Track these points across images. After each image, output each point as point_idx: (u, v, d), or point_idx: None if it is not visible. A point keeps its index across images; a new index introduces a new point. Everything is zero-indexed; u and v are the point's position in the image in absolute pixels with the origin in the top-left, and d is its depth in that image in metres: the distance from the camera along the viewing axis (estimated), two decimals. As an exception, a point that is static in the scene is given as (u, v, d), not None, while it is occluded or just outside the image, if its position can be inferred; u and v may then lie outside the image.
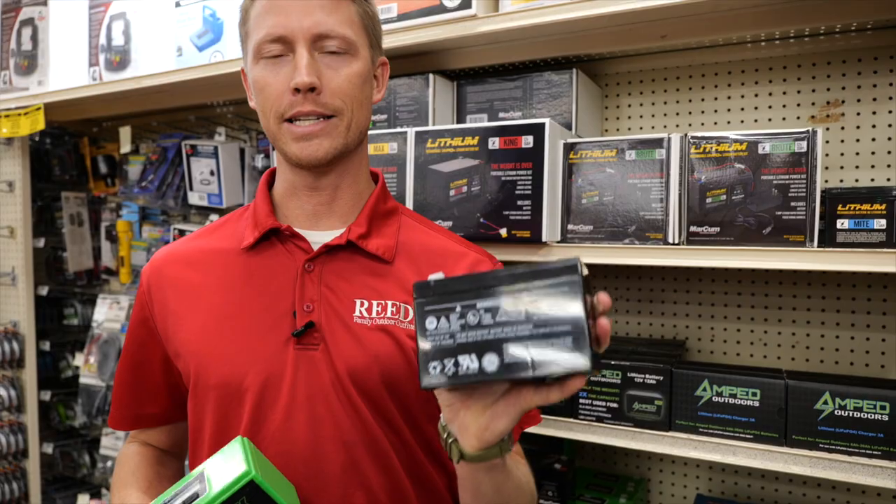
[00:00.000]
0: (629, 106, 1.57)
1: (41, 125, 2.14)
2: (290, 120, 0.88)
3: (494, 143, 1.28)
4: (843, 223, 1.12)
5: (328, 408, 0.87)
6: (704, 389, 1.21)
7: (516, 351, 0.60)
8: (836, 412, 1.11)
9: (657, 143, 1.22)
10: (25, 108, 2.18)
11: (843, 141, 1.36)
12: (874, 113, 1.34)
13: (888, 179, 1.32)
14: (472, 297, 0.62)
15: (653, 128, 1.55)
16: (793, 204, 1.12)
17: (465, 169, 1.31)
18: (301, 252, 0.92)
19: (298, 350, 0.88)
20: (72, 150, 2.54)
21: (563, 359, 0.58)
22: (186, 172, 2.08)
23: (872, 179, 1.34)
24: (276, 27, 0.86)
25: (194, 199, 2.08)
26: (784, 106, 1.42)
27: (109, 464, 2.35)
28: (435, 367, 0.62)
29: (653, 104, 1.54)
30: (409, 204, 1.36)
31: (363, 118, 0.93)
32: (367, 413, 0.87)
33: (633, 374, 1.26)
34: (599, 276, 1.61)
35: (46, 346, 2.54)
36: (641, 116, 1.56)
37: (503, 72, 1.58)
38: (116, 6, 1.99)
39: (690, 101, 1.51)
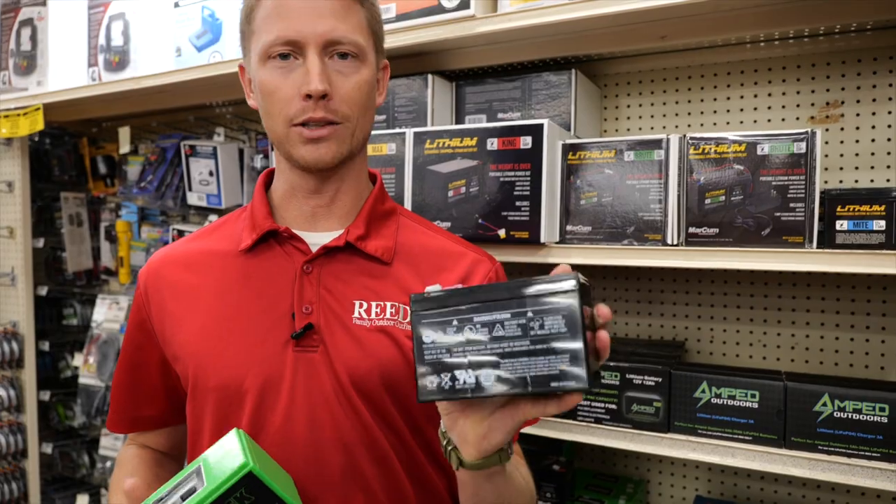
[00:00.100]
0: (628, 106, 1.57)
1: (40, 125, 2.14)
2: (299, 124, 0.87)
3: (493, 143, 1.28)
4: (842, 224, 1.11)
5: (328, 410, 0.86)
6: (703, 391, 1.20)
7: (513, 367, 0.60)
8: (835, 414, 1.11)
9: (656, 144, 1.21)
10: (25, 108, 2.18)
11: (842, 141, 1.36)
12: (874, 113, 1.33)
13: (888, 180, 1.32)
14: (469, 312, 0.61)
15: (652, 128, 1.55)
16: (792, 205, 1.11)
17: (463, 170, 1.31)
18: (299, 254, 0.92)
19: (298, 352, 0.88)
20: (71, 151, 2.54)
21: (561, 376, 0.58)
22: (185, 173, 2.08)
23: (872, 180, 1.33)
24: (287, 31, 0.85)
25: (193, 199, 2.08)
26: (784, 106, 1.41)
27: (109, 464, 2.35)
28: (432, 382, 0.63)
29: (652, 105, 1.54)
30: (408, 205, 1.36)
31: (368, 123, 0.93)
32: (367, 415, 0.87)
33: (631, 376, 1.26)
34: (598, 277, 1.61)
35: (46, 346, 2.54)
36: (641, 117, 1.56)
37: (502, 72, 1.57)
38: (115, 6, 1.99)
39: (690, 101, 1.50)
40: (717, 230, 1.17)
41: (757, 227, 1.14)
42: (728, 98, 1.47)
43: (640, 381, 1.25)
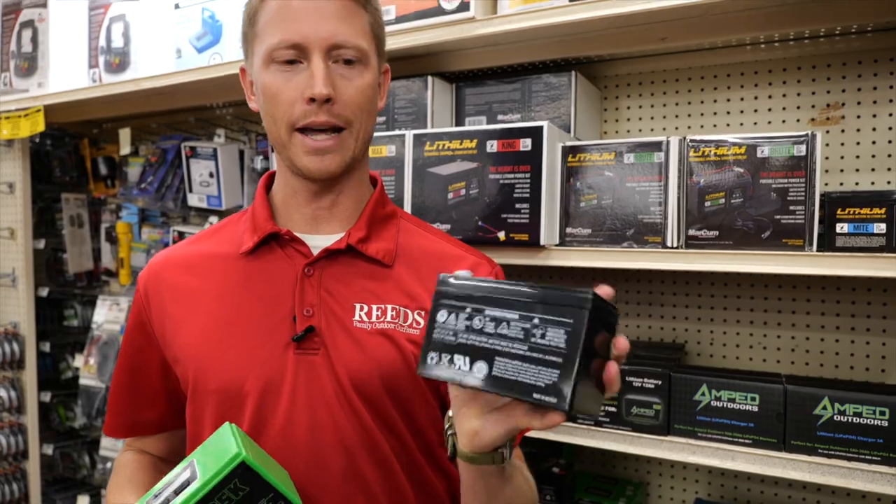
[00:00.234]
0: (628, 108, 1.57)
1: (41, 127, 2.14)
2: (302, 130, 0.87)
3: (493, 145, 1.28)
4: (842, 227, 1.11)
5: (329, 412, 0.87)
6: (703, 394, 1.20)
7: (505, 367, 0.60)
8: (835, 417, 1.11)
9: (656, 146, 1.21)
10: (25, 109, 2.19)
11: (843, 143, 1.36)
12: (874, 115, 1.33)
13: (888, 182, 1.32)
14: (484, 303, 0.62)
15: (652, 130, 1.54)
16: (792, 208, 1.11)
17: (463, 172, 1.31)
18: (301, 256, 0.92)
19: (298, 355, 0.88)
20: (72, 152, 2.54)
21: (541, 389, 0.57)
22: (186, 174, 2.08)
23: (873, 182, 1.33)
24: (291, 33, 0.85)
25: (194, 200, 2.08)
26: (784, 108, 1.41)
27: (109, 465, 2.35)
28: (433, 358, 0.64)
29: (652, 106, 1.54)
30: (408, 207, 1.36)
31: (370, 128, 0.93)
32: (368, 417, 0.87)
33: (631, 379, 1.25)
34: (598, 280, 1.60)
35: (46, 347, 2.54)
36: (641, 119, 1.55)
37: (502, 74, 1.57)
38: (116, 8, 1.99)
39: (690, 103, 1.50)
40: (717, 233, 1.16)
41: (757, 230, 1.13)
42: (728, 100, 1.46)
43: (639, 384, 1.25)
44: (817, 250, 1.10)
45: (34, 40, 2.18)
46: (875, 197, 1.10)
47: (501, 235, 1.27)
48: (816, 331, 1.40)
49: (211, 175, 2.03)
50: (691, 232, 1.18)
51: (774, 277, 1.43)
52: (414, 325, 0.90)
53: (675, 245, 1.19)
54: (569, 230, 1.29)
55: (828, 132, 1.37)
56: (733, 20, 1.29)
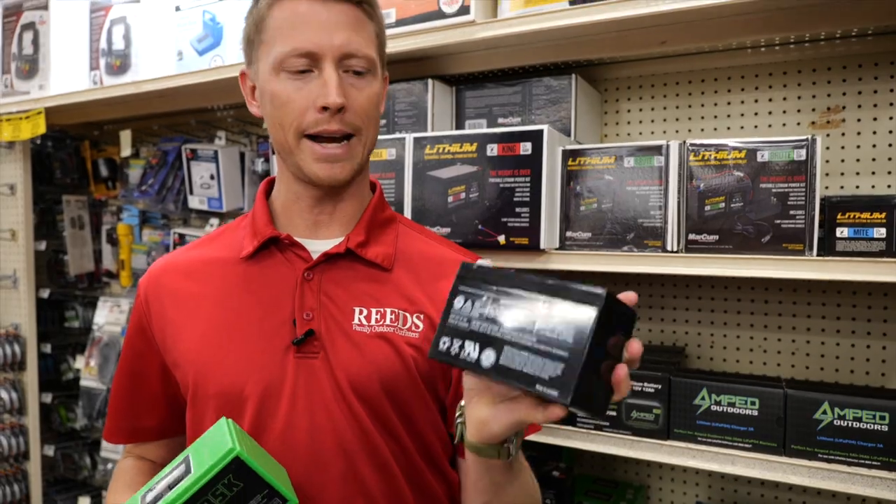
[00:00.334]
0: (629, 111, 1.57)
1: (42, 129, 2.15)
2: (312, 137, 0.88)
3: (493, 149, 1.28)
4: (842, 231, 1.11)
5: (328, 416, 0.87)
6: (703, 398, 1.20)
7: (512, 357, 0.60)
8: (835, 422, 1.11)
9: (656, 150, 1.21)
10: (27, 111, 2.19)
11: (843, 147, 1.36)
12: (875, 119, 1.33)
13: (889, 186, 1.32)
14: (500, 293, 0.63)
15: (652, 133, 1.54)
16: (792, 212, 1.11)
17: (463, 175, 1.31)
18: (300, 261, 0.92)
19: (298, 358, 0.88)
20: (73, 154, 2.54)
21: (545, 381, 0.57)
22: (187, 176, 2.08)
23: (873, 186, 1.33)
24: (304, 42, 0.85)
25: (194, 202, 2.08)
26: (784, 112, 1.41)
27: (110, 466, 2.35)
28: (444, 343, 0.65)
29: (652, 109, 1.54)
30: (408, 210, 1.36)
31: (376, 135, 0.94)
32: (368, 420, 0.88)
33: (631, 382, 1.25)
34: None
35: (48, 348, 2.54)
36: (641, 122, 1.55)
37: (502, 77, 1.57)
38: (117, 10, 1.99)
39: (690, 106, 1.50)
40: (717, 237, 1.16)
41: (757, 234, 1.13)
42: (729, 103, 1.46)
43: (639, 388, 1.25)
44: (817, 255, 1.10)
45: (35, 42, 2.19)
46: (875, 201, 1.10)
47: (501, 239, 1.27)
48: (817, 335, 1.39)
49: (212, 177, 2.03)
50: (691, 236, 1.18)
51: (775, 281, 1.42)
52: (413, 328, 0.90)
53: (675, 249, 1.19)
54: (569, 234, 1.29)
55: (828, 136, 1.37)
56: (733, 24, 1.29)
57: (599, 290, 0.57)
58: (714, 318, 1.49)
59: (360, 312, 0.90)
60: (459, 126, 1.53)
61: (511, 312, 0.61)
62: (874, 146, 1.33)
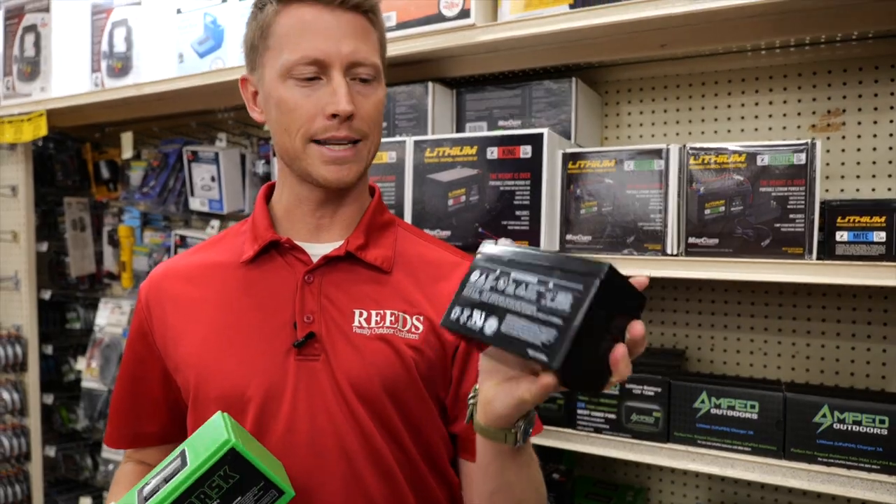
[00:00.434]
0: (629, 114, 1.57)
1: (44, 131, 2.15)
2: (320, 142, 0.88)
3: (493, 152, 1.28)
4: (842, 235, 1.11)
5: (330, 418, 0.87)
6: (703, 401, 1.20)
7: (512, 325, 0.61)
8: (834, 425, 1.11)
9: (656, 153, 1.21)
10: (28, 113, 2.19)
11: (843, 150, 1.36)
12: (875, 122, 1.33)
13: (889, 189, 1.32)
14: (511, 266, 0.65)
15: (653, 136, 1.54)
16: (791, 216, 1.11)
17: (463, 178, 1.31)
18: (301, 264, 0.93)
19: (299, 361, 0.89)
20: (74, 156, 2.55)
21: (536, 347, 0.58)
22: (187, 178, 2.09)
23: (873, 189, 1.33)
24: (313, 50, 0.86)
25: (195, 204, 2.09)
26: (785, 114, 1.41)
27: (111, 467, 2.36)
28: (455, 313, 0.67)
29: (653, 112, 1.54)
30: (408, 213, 1.36)
31: (379, 139, 0.95)
32: (369, 422, 0.88)
33: (631, 386, 1.26)
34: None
35: (49, 349, 2.55)
36: (641, 124, 1.55)
37: (502, 80, 1.57)
38: (118, 13, 2.00)
39: (690, 109, 1.50)
40: (716, 240, 1.16)
41: (757, 238, 1.13)
42: (729, 106, 1.46)
43: (639, 391, 1.25)
44: (817, 258, 1.10)
45: (37, 45, 2.19)
46: (875, 205, 1.10)
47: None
48: (817, 338, 1.39)
49: (213, 179, 2.03)
50: (691, 240, 1.18)
51: (774, 285, 1.42)
52: (413, 330, 0.91)
53: (675, 252, 1.19)
54: (569, 237, 1.29)
55: (828, 139, 1.37)
56: (733, 27, 1.29)
57: (602, 264, 0.58)
58: (714, 321, 1.49)
59: (360, 314, 0.90)
60: (460, 129, 1.54)
61: (518, 284, 0.63)
62: (874, 149, 1.33)
